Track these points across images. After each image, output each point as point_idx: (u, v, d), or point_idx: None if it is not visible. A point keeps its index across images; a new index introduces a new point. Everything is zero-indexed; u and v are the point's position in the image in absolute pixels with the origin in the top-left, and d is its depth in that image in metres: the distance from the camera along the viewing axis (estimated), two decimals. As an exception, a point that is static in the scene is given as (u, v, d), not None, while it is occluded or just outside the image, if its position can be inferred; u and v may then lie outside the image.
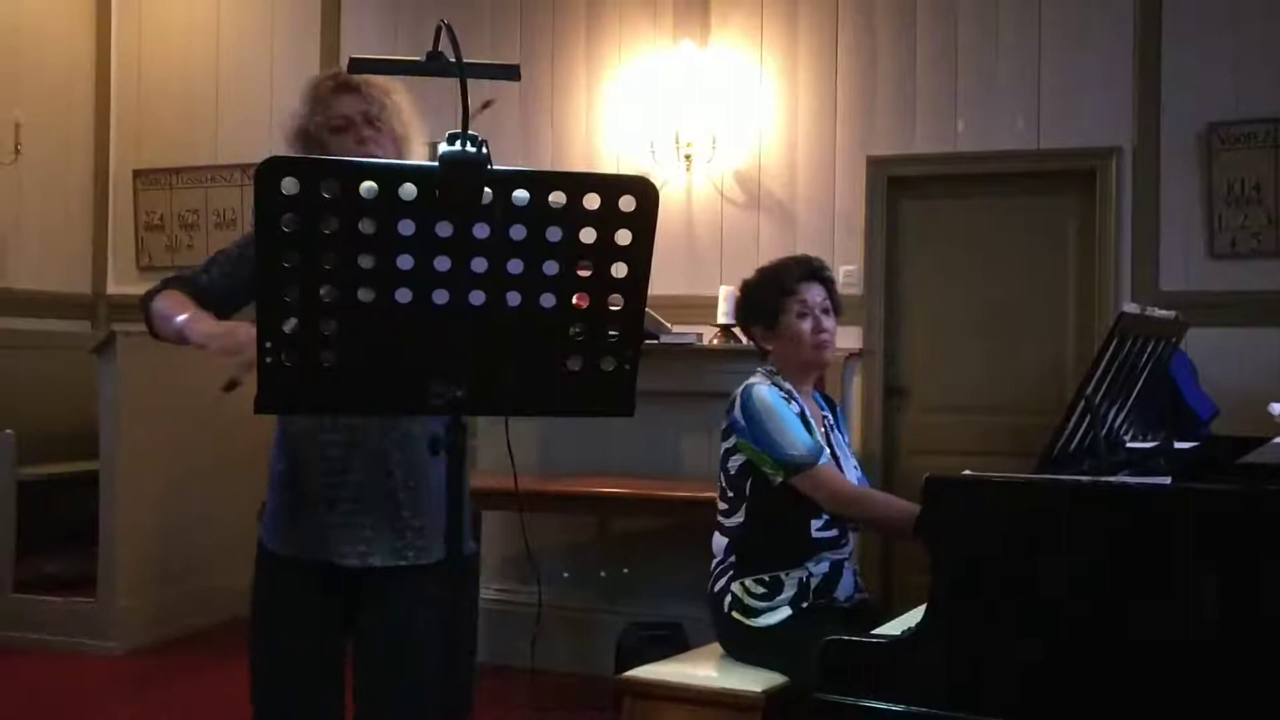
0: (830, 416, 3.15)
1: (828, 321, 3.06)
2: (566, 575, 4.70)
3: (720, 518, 3.06)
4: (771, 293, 3.07)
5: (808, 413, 3.01)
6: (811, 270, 3.09)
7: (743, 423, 2.95)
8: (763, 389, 2.97)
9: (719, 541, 3.05)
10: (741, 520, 2.99)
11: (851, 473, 3.08)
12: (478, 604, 2.48)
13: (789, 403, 2.96)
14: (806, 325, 3.03)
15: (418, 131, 2.36)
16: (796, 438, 2.90)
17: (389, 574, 2.26)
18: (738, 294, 3.20)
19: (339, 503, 2.25)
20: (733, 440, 3.00)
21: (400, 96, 2.36)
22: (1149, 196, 5.15)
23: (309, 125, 2.32)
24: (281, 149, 2.38)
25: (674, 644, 4.01)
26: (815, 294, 3.06)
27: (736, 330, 5.08)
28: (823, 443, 2.98)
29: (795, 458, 2.88)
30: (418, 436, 2.26)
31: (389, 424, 2.24)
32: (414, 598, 2.25)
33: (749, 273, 3.24)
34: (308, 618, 2.32)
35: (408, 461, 2.27)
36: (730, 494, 3.02)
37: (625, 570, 4.69)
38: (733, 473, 3.01)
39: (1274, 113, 4.97)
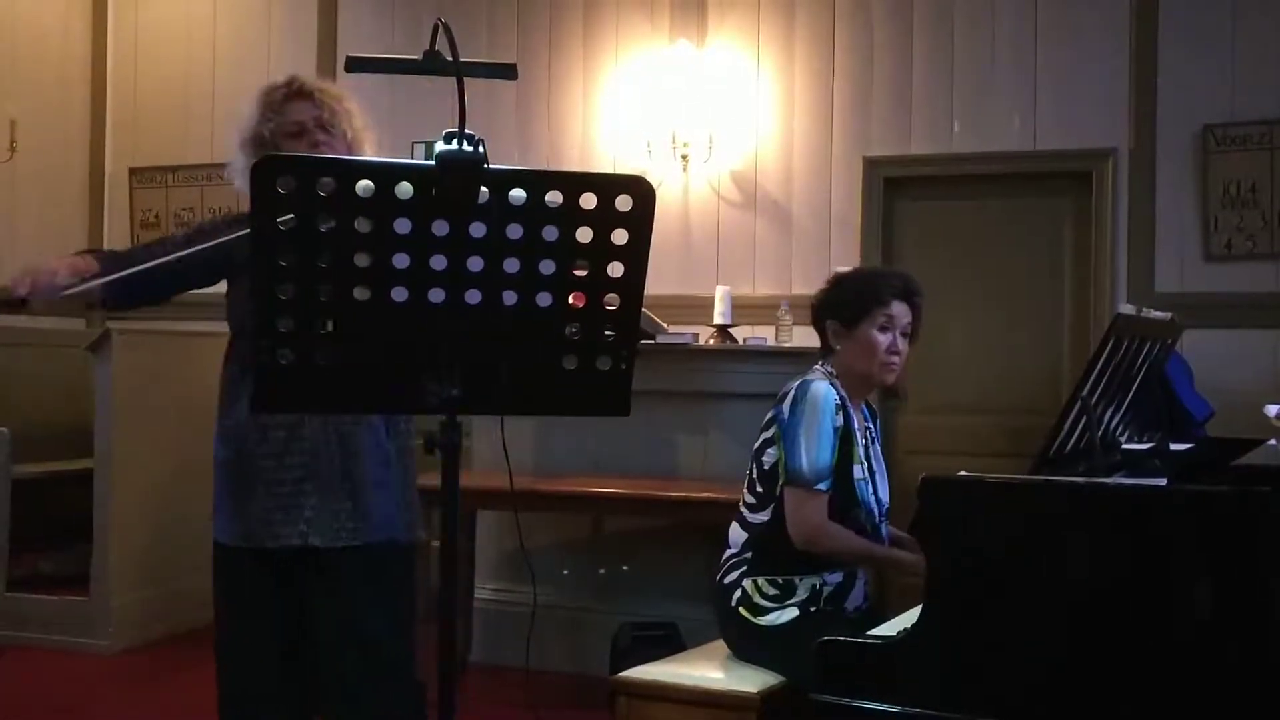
0: (873, 428, 3.11)
1: (902, 344, 3.00)
2: (566, 574, 4.69)
3: (744, 510, 3.02)
4: (863, 295, 2.99)
5: (855, 426, 2.96)
6: (909, 290, 3.03)
7: (786, 415, 2.92)
8: (822, 386, 2.91)
9: (737, 534, 3.01)
10: (766, 519, 2.95)
11: (882, 489, 3.05)
12: (415, 586, 2.54)
13: (837, 413, 2.90)
14: (883, 339, 2.97)
15: (369, 137, 2.45)
16: (818, 454, 2.86)
17: (328, 556, 2.36)
18: (826, 284, 3.11)
19: (281, 484, 2.36)
20: (773, 431, 2.96)
21: (352, 103, 2.45)
22: (1145, 198, 5.16)
23: (263, 130, 2.40)
24: (234, 155, 2.44)
25: (669, 644, 4.00)
26: (902, 313, 3.00)
27: (733, 330, 5.09)
28: (861, 456, 2.95)
29: (801, 470, 2.85)
30: (353, 422, 2.38)
31: None
32: (354, 578, 2.36)
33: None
34: (260, 606, 2.42)
35: (346, 447, 2.38)
36: (759, 489, 2.98)
37: (620, 570, 4.68)
38: (766, 468, 2.97)
39: (1270, 115, 4.98)
